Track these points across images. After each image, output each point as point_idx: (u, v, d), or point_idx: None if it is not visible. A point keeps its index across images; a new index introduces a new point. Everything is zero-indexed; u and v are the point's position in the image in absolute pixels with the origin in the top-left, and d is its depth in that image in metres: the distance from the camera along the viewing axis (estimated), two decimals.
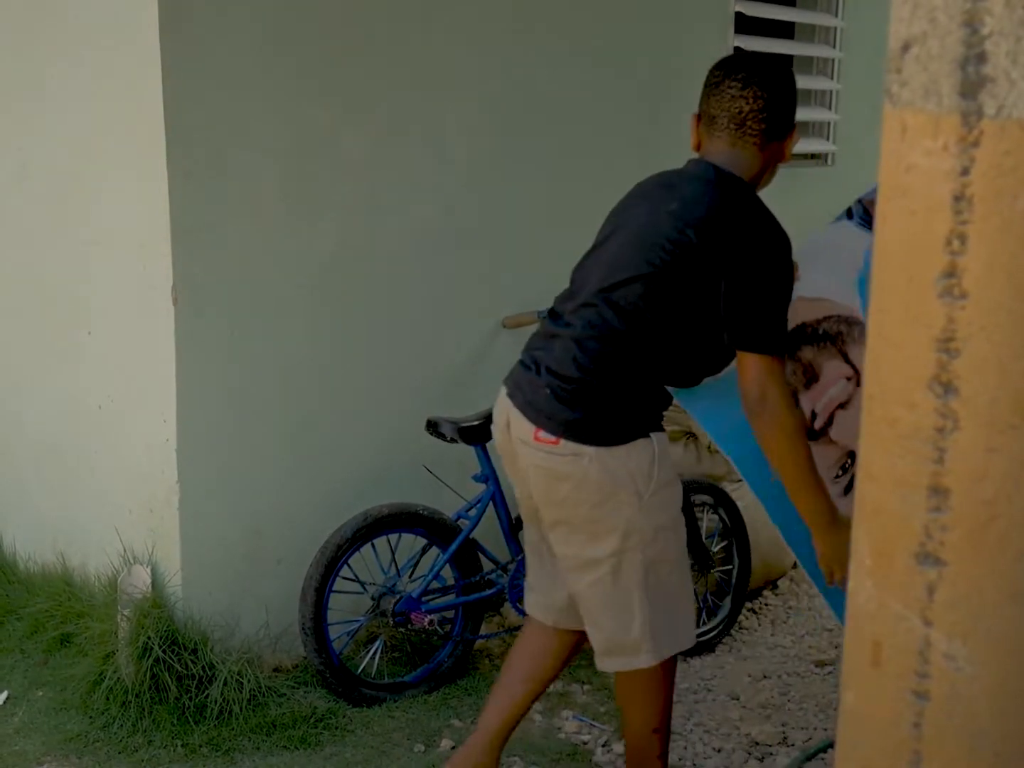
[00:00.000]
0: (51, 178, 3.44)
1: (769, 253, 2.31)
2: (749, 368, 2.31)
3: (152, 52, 2.95)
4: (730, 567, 3.77)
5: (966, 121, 1.02)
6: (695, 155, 2.50)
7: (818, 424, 2.69)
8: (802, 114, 4.95)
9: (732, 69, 2.39)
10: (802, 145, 5.03)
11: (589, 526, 2.37)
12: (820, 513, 2.36)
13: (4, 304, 3.73)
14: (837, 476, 2.66)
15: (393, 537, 3.30)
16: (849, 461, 2.69)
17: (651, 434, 2.38)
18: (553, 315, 2.47)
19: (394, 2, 3.39)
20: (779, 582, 4.15)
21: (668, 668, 2.51)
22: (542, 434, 2.33)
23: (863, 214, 2.72)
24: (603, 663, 2.51)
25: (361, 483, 3.42)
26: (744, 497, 3.95)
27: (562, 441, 2.32)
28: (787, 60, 2.42)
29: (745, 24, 4.54)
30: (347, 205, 3.36)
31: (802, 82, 5.00)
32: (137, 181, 3.11)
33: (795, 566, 4.26)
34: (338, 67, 3.28)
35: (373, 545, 3.26)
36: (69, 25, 3.28)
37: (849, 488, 2.67)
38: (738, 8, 4.45)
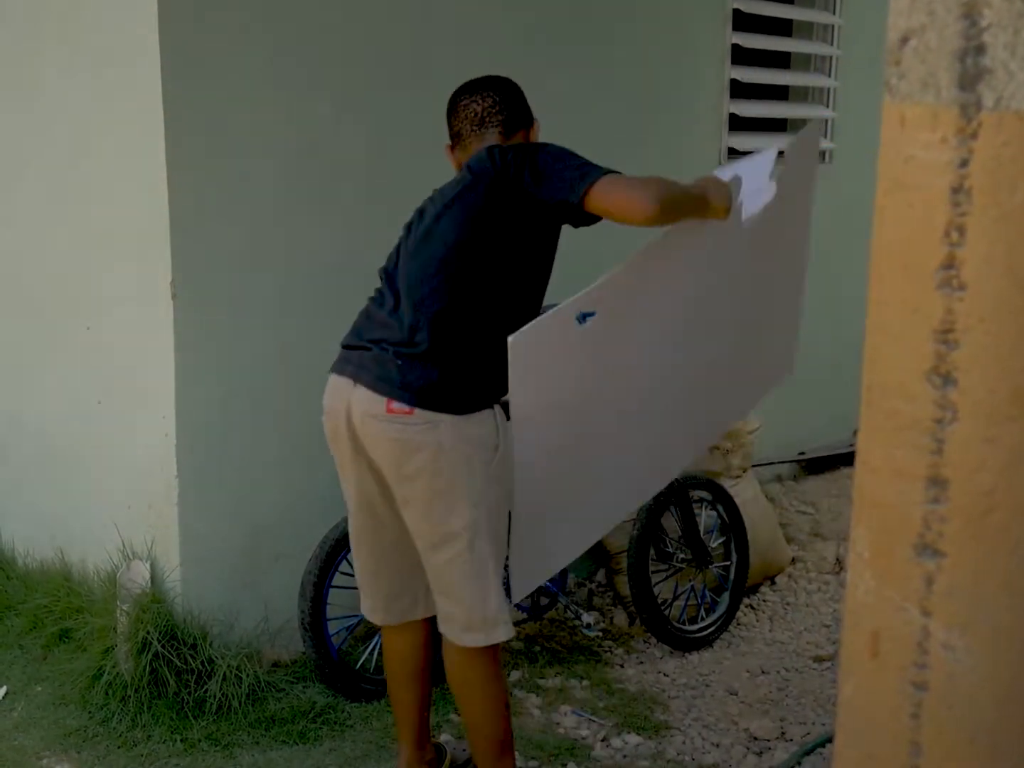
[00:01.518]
0: (50, 174, 3.44)
1: (522, 144, 2.52)
2: (609, 193, 2.31)
3: (151, 47, 2.95)
4: (728, 563, 3.78)
5: (964, 113, 1.03)
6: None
7: None
8: (801, 111, 4.99)
9: (459, 91, 2.64)
10: None
11: (445, 497, 2.41)
12: (700, 194, 2.49)
13: (3, 299, 3.73)
14: None
15: None
16: None
17: (494, 406, 2.47)
18: (380, 304, 2.52)
19: (394, 1, 3.40)
20: (777, 578, 4.16)
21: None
22: (395, 405, 2.38)
23: None
24: (463, 639, 2.50)
25: None
26: (741, 493, 3.96)
27: (416, 410, 2.37)
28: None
29: (743, 21, 4.54)
30: (346, 201, 3.37)
31: (800, 79, 5.04)
32: (137, 177, 3.11)
33: (793, 562, 4.27)
34: (338, 65, 3.28)
35: None
36: (68, 21, 3.28)
37: None
38: (736, 5, 4.45)
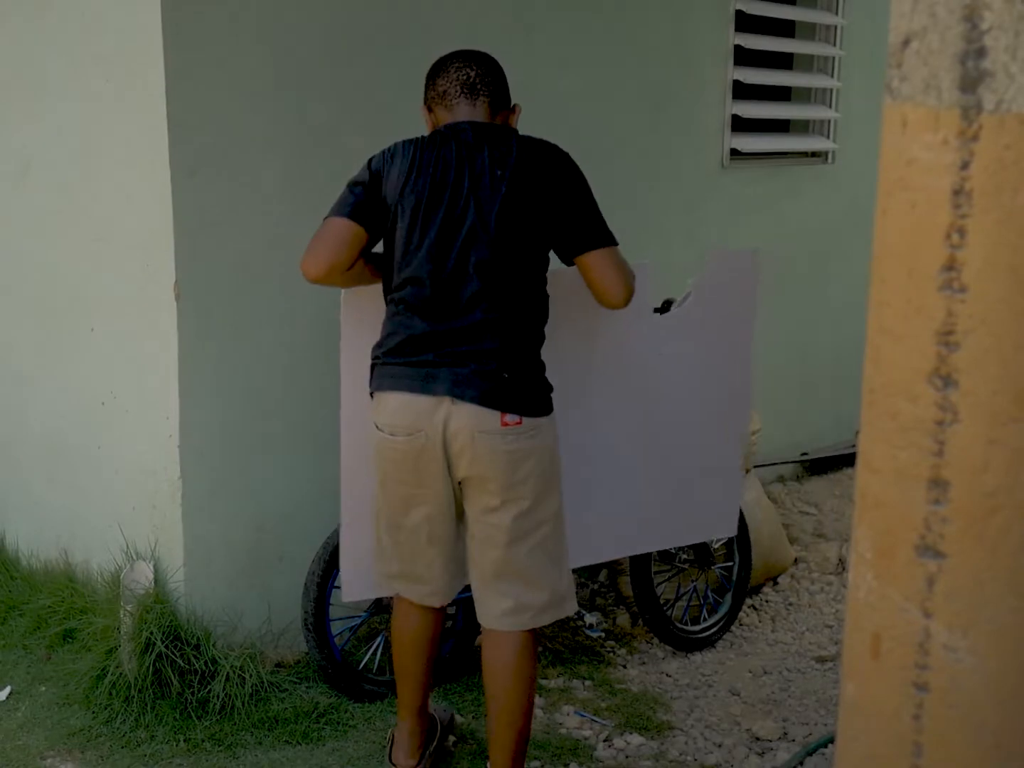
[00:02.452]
0: (54, 175, 3.45)
1: (573, 167, 2.60)
2: (607, 267, 2.53)
3: (155, 48, 2.96)
4: (731, 564, 3.78)
5: (966, 115, 1.03)
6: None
7: None
8: (802, 112, 4.99)
9: (449, 57, 2.64)
10: (803, 143, 5.03)
11: (545, 493, 2.53)
12: None
13: (7, 300, 3.73)
14: None
15: None
16: None
17: None
18: (429, 314, 2.49)
19: (395, 1, 3.40)
20: (780, 579, 4.16)
21: None
22: (509, 417, 2.45)
23: None
24: (539, 619, 2.58)
25: None
26: (744, 494, 3.96)
27: (524, 419, 2.47)
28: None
29: (745, 22, 4.54)
30: None
31: (803, 80, 5.04)
32: (140, 177, 3.12)
33: (796, 563, 4.27)
34: (340, 64, 3.29)
35: None
36: (71, 22, 3.29)
37: None
38: (738, 6, 4.45)
